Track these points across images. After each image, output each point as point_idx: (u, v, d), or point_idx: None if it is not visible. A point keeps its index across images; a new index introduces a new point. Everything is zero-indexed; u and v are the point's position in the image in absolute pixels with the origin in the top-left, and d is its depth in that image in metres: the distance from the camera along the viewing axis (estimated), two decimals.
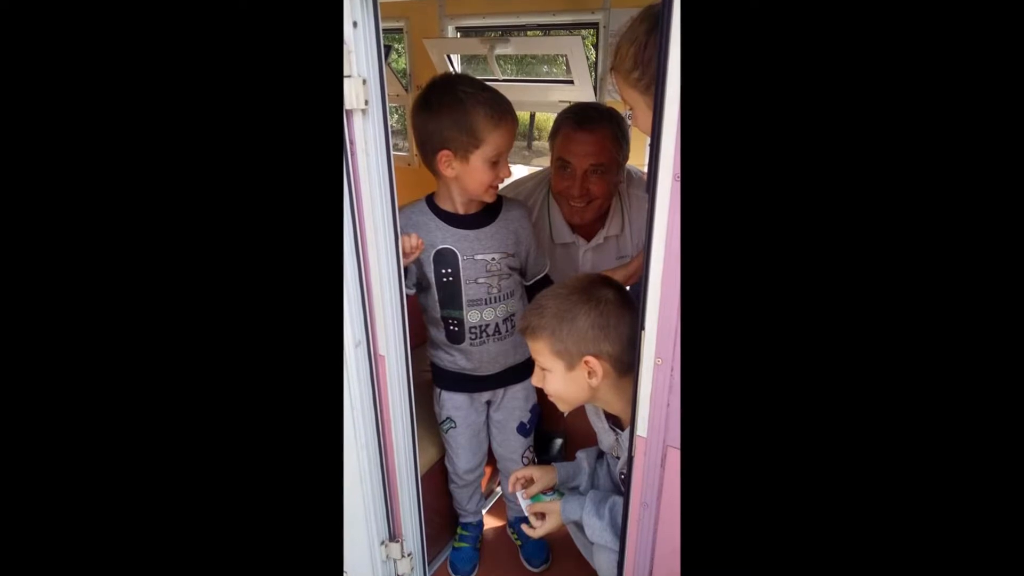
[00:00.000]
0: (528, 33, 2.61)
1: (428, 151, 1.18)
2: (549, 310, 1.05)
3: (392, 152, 0.97)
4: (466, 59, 2.49)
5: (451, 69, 2.30)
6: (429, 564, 1.43)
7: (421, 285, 1.30)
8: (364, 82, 0.90)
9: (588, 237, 1.64)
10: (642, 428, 0.84)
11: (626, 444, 1.00)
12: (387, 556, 1.29)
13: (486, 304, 1.29)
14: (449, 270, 1.26)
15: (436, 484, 1.52)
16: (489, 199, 1.25)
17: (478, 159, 1.16)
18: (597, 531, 1.13)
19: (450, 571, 1.55)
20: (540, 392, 1.25)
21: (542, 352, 1.07)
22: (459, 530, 1.59)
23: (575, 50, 1.87)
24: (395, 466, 1.21)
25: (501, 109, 1.16)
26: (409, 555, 1.31)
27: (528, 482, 1.29)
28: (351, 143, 0.94)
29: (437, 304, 1.30)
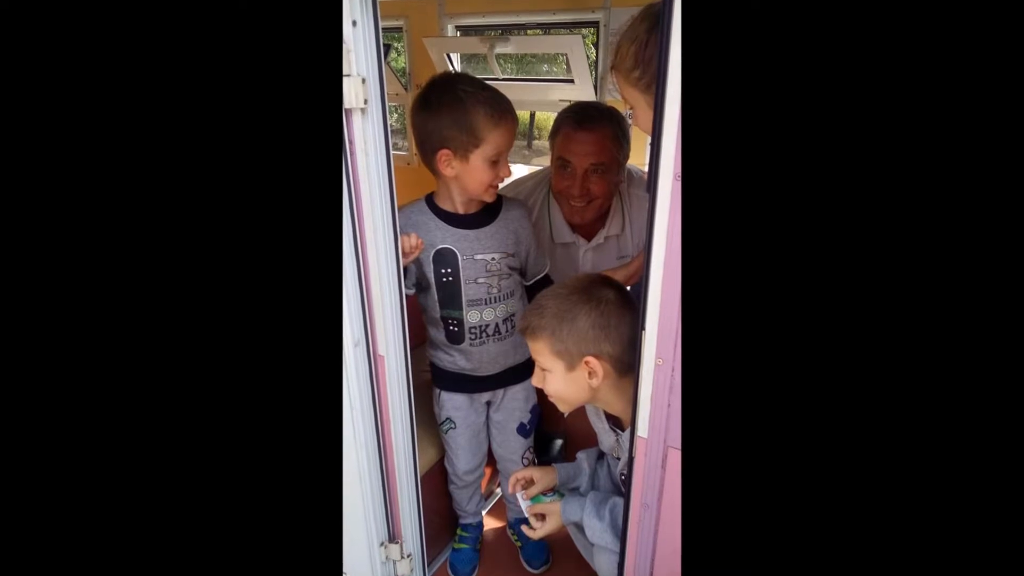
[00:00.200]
0: (528, 32, 2.61)
1: (428, 150, 1.18)
2: (549, 310, 1.05)
3: (392, 151, 0.97)
4: (466, 58, 2.49)
5: (451, 68, 2.30)
6: (429, 565, 1.42)
7: (421, 285, 1.29)
8: (363, 81, 0.90)
9: (588, 237, 1.64)
10: (643, 429, 0.84)
11: (626, 445, 0.99)
12: (387, 557, 1.29)
13: (486, 304, 1.29)
14: (449, 270, 1.25)
15: (436, 485, 1.52)
16: (489, 199, 1.25)
17: (478, 158, 1.16)
18: (597, 532, 1.13)
19: (450, 572, 1.54)
20: (540, 393, 1.25)
21: (542, 352, 1.07)
22: (459, 531, 1.59)
23: (575, 49, 1.87)
24: (395, 467, 1.20)
25: (501, 108, 1.15)
26: (409, 556, 1.31)
27: (528, 483, 1.28)
28: (350, 142, 0.94)
29: (437, 304, 1.29)
